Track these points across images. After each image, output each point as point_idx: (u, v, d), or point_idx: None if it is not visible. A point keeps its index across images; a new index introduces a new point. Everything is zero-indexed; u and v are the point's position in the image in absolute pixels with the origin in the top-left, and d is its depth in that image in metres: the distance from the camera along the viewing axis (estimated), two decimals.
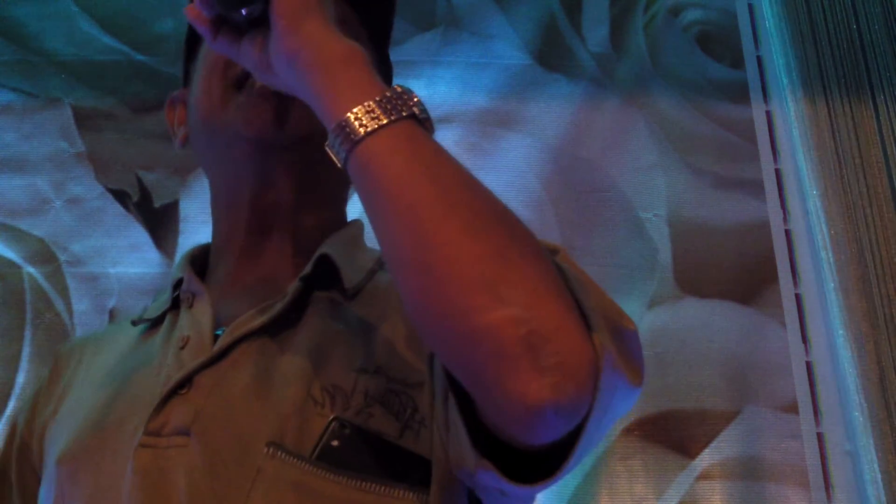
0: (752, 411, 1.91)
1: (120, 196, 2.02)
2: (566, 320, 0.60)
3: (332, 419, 0.70)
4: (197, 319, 0.80)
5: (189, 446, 0.71)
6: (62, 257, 1.97)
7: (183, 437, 0.72)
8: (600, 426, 0.63)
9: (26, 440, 0.90)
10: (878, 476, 1.81)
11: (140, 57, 2.10)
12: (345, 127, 0.65)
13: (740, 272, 2.03)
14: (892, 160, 2.03)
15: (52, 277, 1.96)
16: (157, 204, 2.02)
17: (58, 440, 0.82)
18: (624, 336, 0.65)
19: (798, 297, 2.01)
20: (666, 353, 1.95)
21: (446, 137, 2.03)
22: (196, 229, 1.96)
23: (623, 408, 0.66)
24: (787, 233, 2.06)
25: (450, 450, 0.68)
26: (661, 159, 2.10)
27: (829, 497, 1.85)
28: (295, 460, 0.69)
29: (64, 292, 1.95)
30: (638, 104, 2.14)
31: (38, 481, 0.85)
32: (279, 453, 0.69)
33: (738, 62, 2.20)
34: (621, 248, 2.03)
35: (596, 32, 2.20)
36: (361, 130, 0.64)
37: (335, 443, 0.70)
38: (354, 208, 0.82)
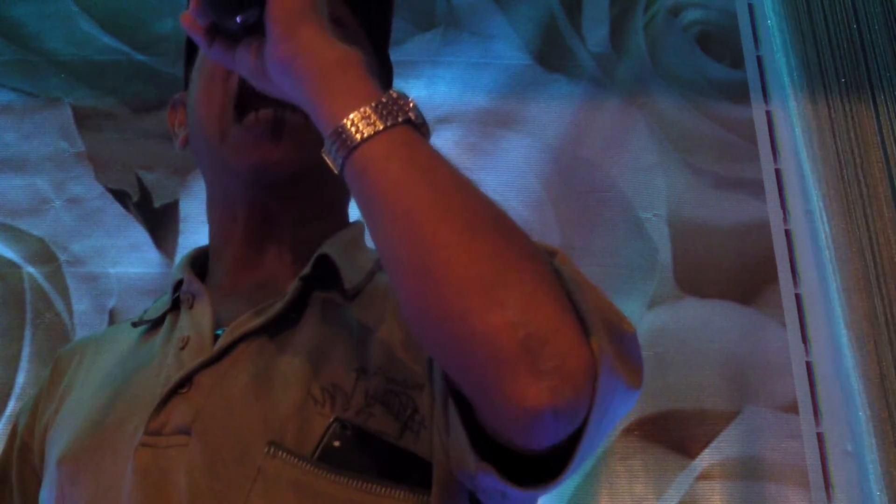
0: (752, 411, 1.91)
1: (120, 196, 2.02)
2: (563, 324, 0.60)
3: (334, 420, 0.70)
4: (197, 320, 0.80)
5: (189, 446, 0.71)
6: (62, 257, 1.97)
7: (183, 437, 0.72)
8: (600, 429, 0.63)
9: (27, 441, 0.90)
10: (881, 476, 1.81)
11: (140, 57, 2.10)
12: (341, 133, 0.65)
13: (740, 272, 2.03)
14: (892, 160, 2.03)
15: (52, 277, 1.96)
16: (157, 204, 2.02)
17: (58, 441, 0.82)
18: (622, 338, 0.65)
19: (798, 297, 2.01)
20: (666, 353, 1.95)
21: (446, 137, 2.03)
22: (196, 229, 1.96)
23: (622, 410, 0.66)
24: (787, 233, 2.06)
25: (450, 452, 0.68)
26: (661, 159, 2.10)
27: (829, 497, 1.85)
28: (296, 460, 0.69)
29: (64, 292, 1.95)
30: (638, 104, 2.14)
31: (39, 482, 0.85)
32: (280, 453, 0.69)
33: (738, 62, 2.20)
34: (621, 248, 2.03)
35: (596, 32, 2.20)
36: (357, 136, 0.64)
37: (337, 443, 0.70)
38: (356, 210, 0.82)
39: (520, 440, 0.63)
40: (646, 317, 1.98)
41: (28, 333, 1.92)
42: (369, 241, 0.80)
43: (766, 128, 2.14)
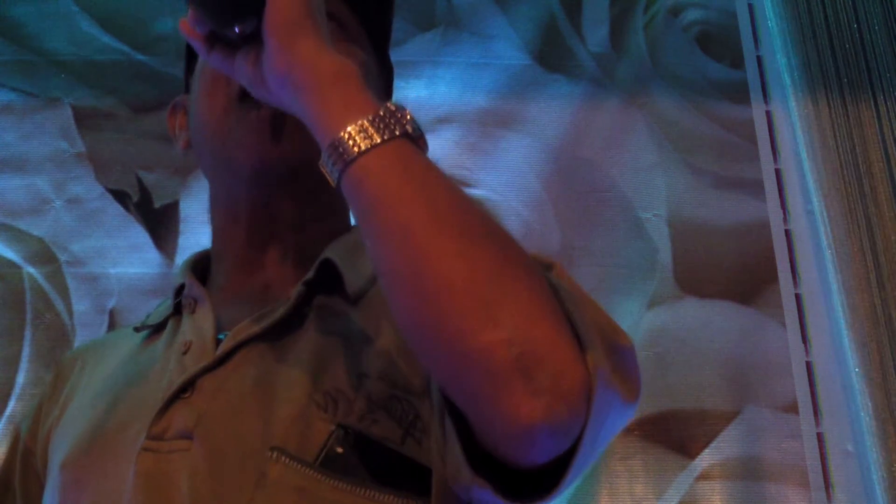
0: (752, 411, 1.91)
1: (120, 196, 2.02)
2: (558, 340, 0.60)
3: (337, 426, 0.70)
4: (199, 324, 0.80)
5: (192, 450, 0.71)
6: (62, 257, 1.97)
7: (185, 441, 0.72)
8: (595, 444, 0.64)
9: (30, 447, 0.90)
10: (882, 476, 1.81)
11: (140, 57, 2.10)
12: (338, 146, 0.65)
13: (740, 272, 2.03)
14: (892, 160, 2.03)
15: (52, 278, 1.96)
16: (157, 204, 2.02)
17: (61, 446, 0.82)
18: (619, 352, 0.65)
19: (798, 297, 2.01)
20: (666, 353, 1.95)
21: (446, 137, 2.03)
22: (196, 229, 1.96)
23: (619, 424, 0.67)
24: (787, 233, 2.06)
25: (446, 464, 0.68)
26: (661, 159, 2.10)
27: (829, 497, 1.85)
28: (298, 466, 0.69)
29: (64, 292, 1.95)
30: (638, 104, 2.14)
31: (42, 488, 0.85)
32: (283, 458, 0.69)
33: (738, 62, 2.20)
34: (621, 248, 2.03)
35: (596, 32, 2.19)
36: (354, 150, 0.64)
37: (339, 449, 0.70)
38: None
39: (514, 456, 0.63)
40: (646, 317, 1.98)
41: (28, 334, 1.92)
42: None
43: (766, 128, 2.14)
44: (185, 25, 0.75)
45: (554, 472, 0.63)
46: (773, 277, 2.02)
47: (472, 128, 2.09)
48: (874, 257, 1.96)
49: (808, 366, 1.95)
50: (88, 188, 2.02)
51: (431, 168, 0.65)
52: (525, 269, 0.63)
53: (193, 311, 0.82)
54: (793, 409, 1.92)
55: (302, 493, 0.68)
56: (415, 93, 2.05)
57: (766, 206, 2.08)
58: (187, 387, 0.74)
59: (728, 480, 1.87)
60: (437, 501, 0.70)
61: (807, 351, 1.97)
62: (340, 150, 0.64)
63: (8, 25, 2.10)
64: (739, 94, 2.17)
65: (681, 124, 2.13)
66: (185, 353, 0.78)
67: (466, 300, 0.60)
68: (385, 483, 0.70)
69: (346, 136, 0.64)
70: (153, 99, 2.05)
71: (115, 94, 2.08)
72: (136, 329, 0.89)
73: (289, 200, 0.85)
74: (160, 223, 2.00)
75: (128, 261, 1.97)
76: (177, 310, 0.86)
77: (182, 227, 1.99)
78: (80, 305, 1.94)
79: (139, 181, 2.03)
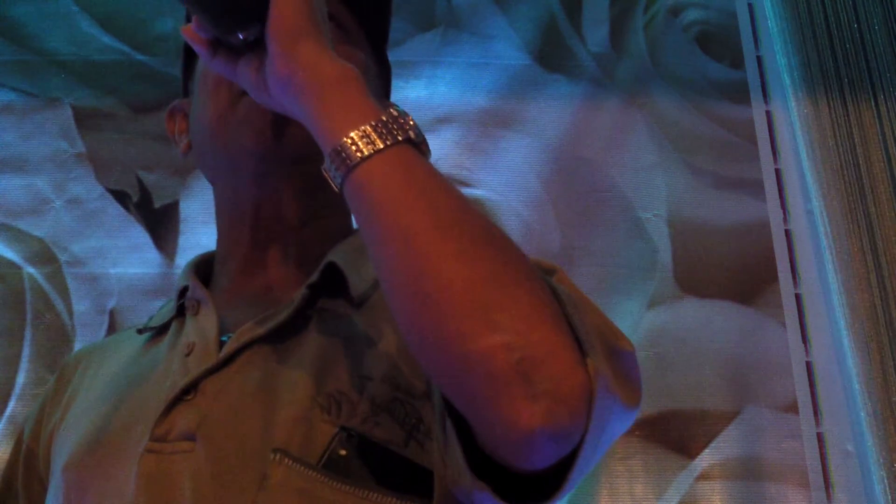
0: (752, 411, 1.91)
1: (120, 196, 2.01)
2: (559, 345, 0.60)
3: (340, 428, 0.70)
4: (202, 326, 0.80)
5: (194, 451, 0.71)
6: (62, 258, 1.97)
7: (188, 443, 0.72)
8: (596, 449, 0.64)
9: (32, 449, 0.90)
10: (882, 476, 1.81)
11: (140, 57, 2.10)
12: (340, 152, 0.65)
13: (740, 272, 2.03)
14: (893, 160, 2.03)
15: (52, 278, 1.96)
16: (157, 204, 2.01)
17: (64, 448, 0.82)
18: (620, 357, 0.65)
19: (798, 297, 2.01)
20: (666, 353, 1.95)
21: (446, 137, 2.03)
22: (196, 229, 1.96)
23: (620, 429, 0.67)
24: (787, 233, 2.06)
25: (447, 468, 0.68)
26: (661, 159, 2.10)
27: (829, 497, 1.85)
28: (301, 468, 0.69)
29: (64, 293, 1.95)
30: (638, 104, 2.14)
31: (45, 490, 0.85)
32: (286, 460, 0.69)
33: (738, 62, 2.20)
34: (621, 248, 2.03)
35: (596, 32, 2.19)
36: (357, 155, 0.64)
37: (342, 451, 0.70)
38: None
39: (515, 461, 0.63)
40: (646, 317, 1.98)
41: (28, 334, 1.92)
42: None
43: (766, 128, 2.14)
44: (189, 31, 0.75)
45: (555, 476, 0.63)
46: (773, 277, 2.02)
47: (471, 128, 2.09)
48: (874, 257, 1.96)
49: (808, 366, 1.96)
50: (88, 188, 2.01)
51: (433, 174, 0.65)
52: (526, 273, 0.63)
53: (197, 313, 0.82)
54: (793, 409, 1.92)
55: (304, 494, 0.68)
56: (415, 93, 2.05)
57: (766, 206, 2.08)
58: (190, 389, 0.75)
59: (728, 480, 1.87)
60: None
61: (807, 351, 1.97)
62: (343, 155, 0.65)
63: (8, 25, 2.10)
64: (739, 94, 2.17)
65: (681, 124, 2.13)
66: (188, 354, 0.78)
67: (467, 304, 0.60)
68: (388, 486, 0.70)
69: (349, 141, 0.65)
70: (153, 99, 2.05)
71: (115, 94, 2.08)
72: (139, 331, 0.89)
73: (292, 197, 0.85)
74: (160, 223, 2.00)
75: (128, 261, 1.97)
76: (180, 312, 0.86)
77: (182, 227, 1.99)
78: (80, 306, 1.94)
79: (139, 181, 2.02)
